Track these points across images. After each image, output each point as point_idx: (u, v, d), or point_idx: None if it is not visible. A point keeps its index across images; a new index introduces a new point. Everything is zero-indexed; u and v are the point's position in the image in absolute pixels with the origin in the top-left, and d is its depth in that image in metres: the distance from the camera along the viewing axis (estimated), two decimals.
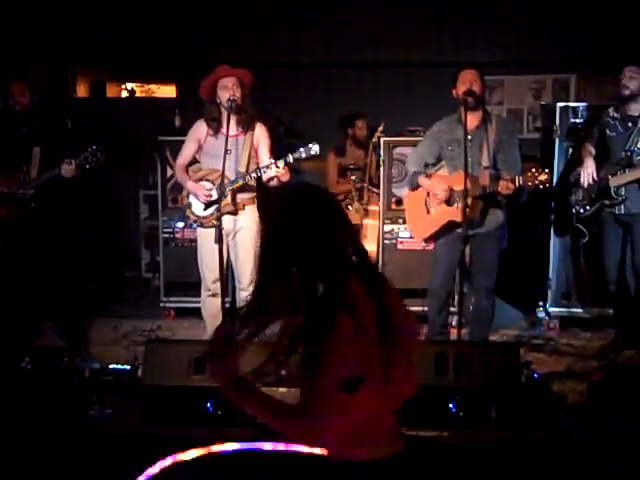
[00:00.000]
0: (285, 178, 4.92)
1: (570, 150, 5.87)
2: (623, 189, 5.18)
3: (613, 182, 5.19)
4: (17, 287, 5.42)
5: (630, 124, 5.17)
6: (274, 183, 4.99)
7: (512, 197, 4.88)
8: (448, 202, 4.95)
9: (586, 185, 5.21)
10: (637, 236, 5.24)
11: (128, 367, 4.82)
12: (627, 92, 5.11)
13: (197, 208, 5.17)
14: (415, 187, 5.11)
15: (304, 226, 2.24)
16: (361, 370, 2.18)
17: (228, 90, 4.93)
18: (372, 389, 2.21)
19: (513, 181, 4.67)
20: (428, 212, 5.06)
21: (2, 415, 4.26)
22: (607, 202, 5.26)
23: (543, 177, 4.61)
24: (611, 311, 5.70)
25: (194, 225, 5.45)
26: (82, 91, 8.76)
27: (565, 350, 5.56)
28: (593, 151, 5.27)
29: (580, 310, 6.03)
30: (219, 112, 5.03)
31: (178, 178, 5.31)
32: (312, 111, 7.49)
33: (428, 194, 5.06)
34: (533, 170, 4.65)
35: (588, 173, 5.18)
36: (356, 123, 7.15)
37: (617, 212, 5.26)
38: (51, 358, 4.73)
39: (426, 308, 5.29)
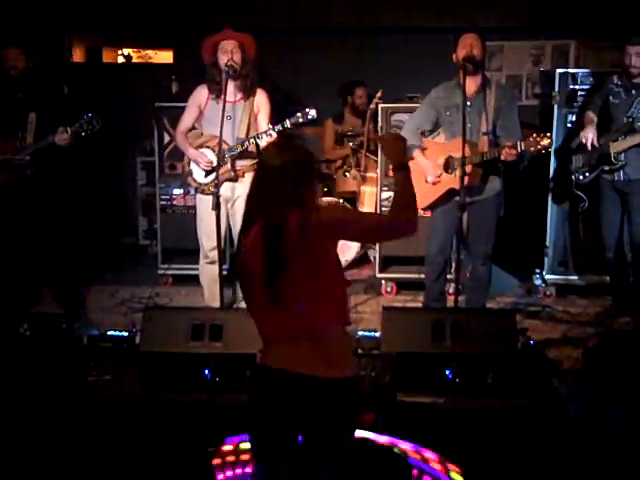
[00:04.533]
0: None
1: (569, 117, 5.86)
2: (623, 155, 5.19)
3: (613, 148, 5.19)
4: (15, 253, 5.42)
5: (634, 91, 5.15)
6: None
7: (511, 164, 4.86)
8: (447, 169, 4.94)
9: (589, 148, 5.19)
10: (635, 203, 5.24)
11: (126, 334, 4.85)
12: (636, 71, 5.08)
13: (198, 175, 5.16)
14: (410, 158, 5.09)
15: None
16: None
17: (227, 54, 4.88)
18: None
19: (515, 147, 4.64)
20: (427, 180, 5.04)
21: (1, 381, 4.28)
22: (606, 168, 5.26)
23: (545, 142, 4.58)
24: (607, 278, 5.72)
25: (192, 192, 5.45)
26: (78, 56, 8.68)
27: (561, 317, 5.59)
28: (595, 118, 5.26)
29: (576, 277, 6.05)
30: (221, 76, 4.96)
31: (179, 145, 5.28)
32: (311, 77, 7.44)
33: None
34: (535, 135, 4.62)
35: (589, 139, 5.17)
36: (355, 91, 7.12)
37: (616, 179, 5.26)
38: (49, 324, 4.74)
39: (423, 275, 5.30)
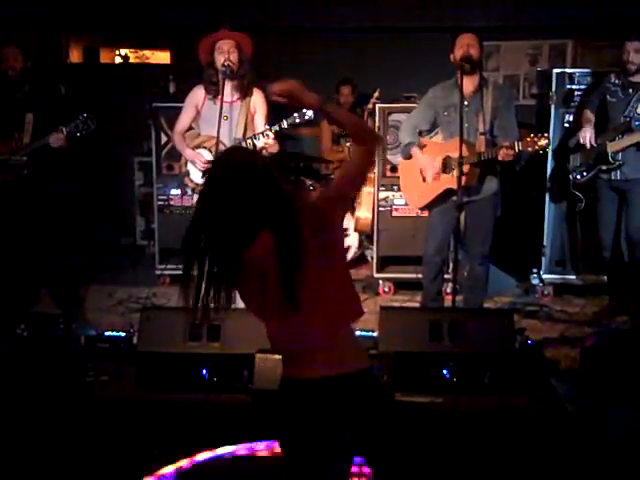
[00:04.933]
0: (274, 149, 4.93)
1: (566, 117, 5.87)
2: (620, 154, 5.20)
3: (611, 147, 5.19)
4: (13, 254, 5.42)
5: (631, 90, 5.16)
6: (264, 153, 4.99)
7: (508, 164, 4.86)
8: (444, 169, 4.93)
9: (588, 147, 5.21)
10: (632, 203, 5.25)
11: (123, 334, 4.84)
12: (634, 68, 5.10)
13: (195, 175, 5.15)
14: (408, 157, 5.09)
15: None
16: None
17: (224, 54, 4.87)
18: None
19: (512, 147, 4.64)
20: (424, 180, 5.03)
21: None
22: (604, 167, 5.27)
23: (543, 142, 4.60)
24: (605, 278, 5.73)
25: (190, 192, 5.46)
26: (75, 57, 8.68)
27: (559, 317, 5.60)
28: (592, 118, 5.28)
29: (574, 277, 6.06)
30: (218, 77, 4.96)
31: (176, 145, 5.27)
32: (310, 77, 7.40)
33: None
34: (532, 135, 4.64)
35: (586, 138, 5.18)
36: (341, 89, 7.12)
37: (613, 177, 5.27)
38: (47, 325, 4.73)
39: (420, 275, 5.30)
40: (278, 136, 4.92)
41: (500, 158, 4.69)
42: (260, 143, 4.84)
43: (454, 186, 4.74)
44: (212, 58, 4.95)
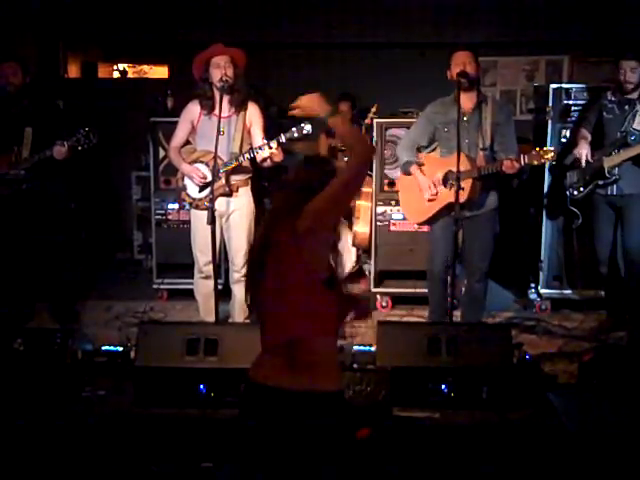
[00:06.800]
0: (278, 158, 4.93)
1: (563, 132, 5.88)
2: (617, 169, 5.21)
3: (607, 163, 5.20)
4: (9, 268, 5.41)
5: (627, 106, 5.18)
6: (267, 164, 5.00)
7: (505, 180, 4.86)
8: (445, 184, 4.92)
9: (583, 165, 5.22)
10: (628, 218, 5.26)
11: (121, 349, 4.83)
12: (631, 87, 5.12)
13: (192, 190, 5.16)
14: (409, 173, 5.08)
15: None
16: None
17: (220, 69, 4.90)
18: None
19: (518, 160, 4.65)
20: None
21: None
22: (600, 182, 5.28)
23: (549, 155, 4.62)
24: (602, 293, 5.73)
25: (187, 207, 5.46)
26: (73, 72, 8.70)
27: (556, 331, 5.59)
28: (588, 135, 5.30)
29: (571, 292, 6.05)
30: (212, 92, 5.00)
31: (172, 160, 5.29)
32: (308, 92, 7.45)
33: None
34: (538, 148, 4.67)
35: (583, 155, 5.20)
36: (340, 106, 7.14)
37: (609, 193, 5.28)
38: (44, 340, 4.72)
39: (418, 290, 5.28)
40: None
41: (504, 169, 4.69)
42: (266, 153, 4.85)
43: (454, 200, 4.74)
44: (207, 73, 4.98)
